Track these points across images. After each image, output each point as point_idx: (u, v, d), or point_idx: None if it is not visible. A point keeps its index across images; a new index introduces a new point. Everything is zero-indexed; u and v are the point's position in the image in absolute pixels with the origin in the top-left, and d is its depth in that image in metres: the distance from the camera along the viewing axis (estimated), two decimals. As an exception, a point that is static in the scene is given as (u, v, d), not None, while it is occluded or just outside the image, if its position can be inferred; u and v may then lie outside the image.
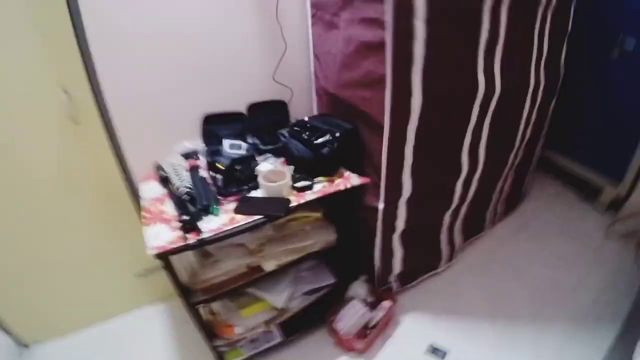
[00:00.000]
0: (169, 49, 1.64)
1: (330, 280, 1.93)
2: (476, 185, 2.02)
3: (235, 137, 1.78)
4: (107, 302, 2.07)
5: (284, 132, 1.79)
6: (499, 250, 2.29)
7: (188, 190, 1.53)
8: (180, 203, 1.50)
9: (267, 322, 1.83)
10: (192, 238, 1.37)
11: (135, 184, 1.80)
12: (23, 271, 1.79)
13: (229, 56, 1.76)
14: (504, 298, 2.01)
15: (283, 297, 1.79)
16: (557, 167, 2.72)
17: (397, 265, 1.95)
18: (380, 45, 1.40)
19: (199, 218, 1.45)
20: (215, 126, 1.81)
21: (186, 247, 1.36)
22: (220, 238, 1.41)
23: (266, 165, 1.64)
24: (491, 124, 1.82)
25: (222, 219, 1.45)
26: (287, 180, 1.53)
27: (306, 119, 1.74)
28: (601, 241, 2.27)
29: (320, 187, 1.57)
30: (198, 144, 1.81)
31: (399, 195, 1.72)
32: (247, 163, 1.63)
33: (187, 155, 1.78)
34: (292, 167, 1.64)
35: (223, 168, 1.58)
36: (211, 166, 1.65)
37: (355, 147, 1.67)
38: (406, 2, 1.31)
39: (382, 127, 1.52)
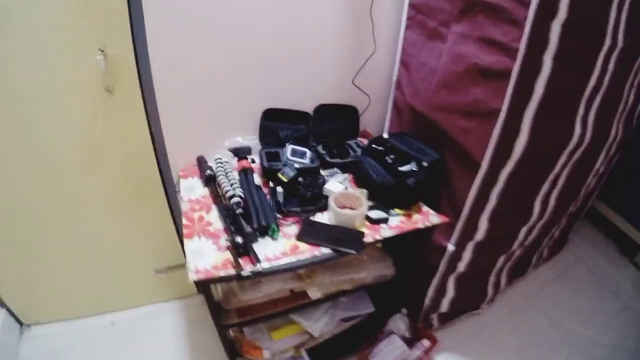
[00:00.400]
0: (239, 24, 1.37)
1: (369, 309, 1.74)
2: (537, 231, 1.87)
3: (298, 141, 1.55)
4: (120, 292, 1.87)
5: (353, 143, 1.57)
6: (537, 297, 2.17)
7: (240, 199, 1.30)
8: (231, 216, 1.27)
9: (297, 347, 1.66)
10: (245, 265, 1.16)
11: (172, 174, 1.55)
12: (33, 246, 1.61)
13: (306, 47, 1.51)
14: (537, 352, 1.90)
15: (320, 325, 1.61)
16: (601, 217, 2.61)
17: (444, 305, 1.79)
18: (501, 75, 1.19)
19: (254, 239, 1.23)
20: (276, 124, 1.56)
21: (238, 277, 1.15)
22: (280, 271, 1.19)
23: (336, 185, 1.42)
24: (569, 173, 1.65)
25: (281, 245, 1.24)
26: (364, 209, 1.31)
27: (385, 135, 1.51)
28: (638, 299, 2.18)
29: (397, 222, 1.37)
30: (252, 141, 1.57)
31: (470, 238, 1.54)
32: (314, 178, 1.40)
33: (238, 153, 1.54)
34: (364, 192, 1.42)
35: (286, 180, 1.36)
36: (269, 174, 1.42)
37: (438, 180, 1.46)
38: (543, 33, 1.12)
39: (477, 165, 1.32)
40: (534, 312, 2.08)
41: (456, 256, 1.58)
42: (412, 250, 1.53)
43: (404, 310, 1.83)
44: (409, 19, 1.55)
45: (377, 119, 1.76)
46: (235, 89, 1.49)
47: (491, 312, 2.05)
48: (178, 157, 1.53)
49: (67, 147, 1.44)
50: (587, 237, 2.58)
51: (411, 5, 1.53)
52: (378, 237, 1.30)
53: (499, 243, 1.73)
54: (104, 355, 1.75)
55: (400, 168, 1.37)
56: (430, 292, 1.69)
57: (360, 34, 1.55)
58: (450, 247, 1.52)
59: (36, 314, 1.80)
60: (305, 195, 1.36)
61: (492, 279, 1.93)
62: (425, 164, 1.38)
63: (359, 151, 1.60)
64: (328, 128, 1.63)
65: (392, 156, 1.41)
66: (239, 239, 1.19)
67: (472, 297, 1.94)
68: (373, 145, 1.48)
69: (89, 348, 1.76)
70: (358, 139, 1.71)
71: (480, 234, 1.53)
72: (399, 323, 1.79)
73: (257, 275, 1.16)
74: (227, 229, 1.26)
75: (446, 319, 1.91)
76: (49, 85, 1.32)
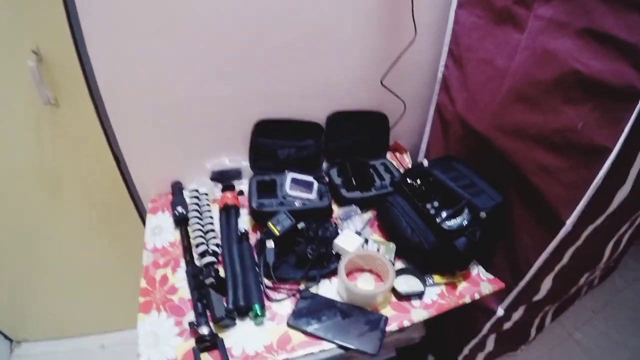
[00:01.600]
0: None
1: (390, 353, 1.41)
2: (598, 271, 1.61)
3: (304, 163, 1.13)
4: (109, 314, 1.67)
5: (380, 166, 1.15)
6: (580, 330, 1.89)
7: (214, 258, 0.93)
8: (200, 286, 0.91)
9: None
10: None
11: (142, 197, 1.19)
12: (17, 269, 1.45)
13: (316, 31, 1.05)
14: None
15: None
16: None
17: (480, 357, 1.43)
18: (619, 94, 0.75)
19: (228, 324, 0.87)
20: (274, 140, 1.14)
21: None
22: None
23: (352, 238, 1.01)
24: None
25: (266, 334, 0.88)
26: (389, 282, 0.91)
27: (425, 163, 1.07)
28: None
29: (435, 296, 0.96)
30: (242, 162, 1.16)
31: (528, 300, 1.16)
32: (320, 226, 1.00)
33: (223, 178, 1.15)
34: (391, 247, 1.02)
35: (278, 234, 0.96)
36: (258, 217, 1.03)
37: (496, 232, 1.03)
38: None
39: (560, 222, 0.89)
40: (577, 350, 1.82)
41: (504, 319, 1.19)
42: (450, 316, 1.13)
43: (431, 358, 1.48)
44: None
45: (412, 128, 1.29)
46: (217, 93, 1.07)
47: (530, 352, 1.75)
48: (147, 182, 1.16)
49: (20, 170, 1.18)
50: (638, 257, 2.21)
51: None
52: (407, 323, 0.91)
53: (555, 296, 1.32)
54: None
55: (447, 223, 0.94)
56: (466, 350, 1.35)
57: (394, 12, 1.07)
58: (500, 312, 1.14)
59: (25, 332, 1.68)
60: (306, 255, 0.96)
61: (536, 322, 1.58)
62: (483, 215, 0.94)
63: (387, 179, 1.17)
64: (346, 144, 1.20)
65: (435, 204, 0.97)
66: (204, 330, 0.83)
67: (512, 342, 1.59)
68: (408, 180, 1.04)
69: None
70: (387, 156, 1.27)
71: (539, 295, 1.16)
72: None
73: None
74: (193, 305, 0.90)
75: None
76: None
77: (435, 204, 0.98)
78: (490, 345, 1.38)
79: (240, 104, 1.11)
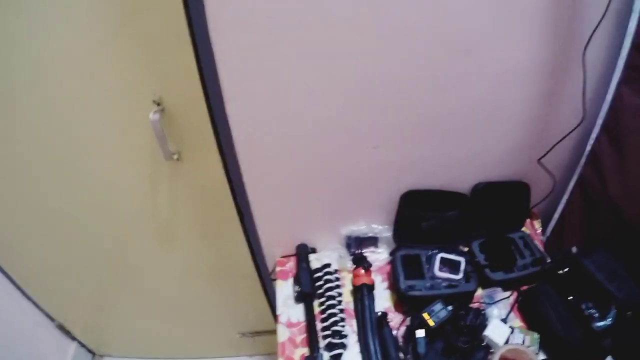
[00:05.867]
0: (373, 61, 0.86)
1: None
2: None
3: (445, 237, 1.10)
4: (199, 344, 1.68)
5: (518, 240, 1.12)
6: None
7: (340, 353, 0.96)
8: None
9: None
10: None
11: (266, 256, 1.20)
12: (113, 289, 1.46)
13: (479, 103, 0.98)
14: None
15: None
16: None
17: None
18: None
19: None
20: (419, 211, 1.10)
21: None
22: None
23: (500, 328, 1.00)
24: None
25: None
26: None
27: (574, 250, 1.03)
28: None
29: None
30: (380, 231, 1.13)
31: None
32: (472, 314, 1.00)
33: (357, 245, 1.12)
34: (536, 336, 1.01)
35: (433, 325, 0.96)
36: (405, 300, 1.02)
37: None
38: None
39: None
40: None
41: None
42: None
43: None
44: (629, 68, 0.94)
45: (542, 195, 1.23)
46: (364, 159, 1.03)
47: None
48: (272, 241, 1.16)
49: (132, 219, 1.18)
50: None
51: (636, 46, 0.91)
52: None
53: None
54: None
55: (597, 324, 0.93)
56: None
57: (565, 89, 0.98)
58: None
59: (109, 348, 1.72)
60: (456, 345, 0.96)
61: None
62: (630, 314, 0.92)
63: (527, 256, 1.13)
64: (488, 216, 1.15)
65: (590, 304, 0.95)
66: None
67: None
68: (558, 270, 1.01)
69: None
70: (524, 228, 1.23)
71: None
72: None
73: None
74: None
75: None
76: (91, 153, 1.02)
77: (590, 304, 0.96)
78: None
79: (387, 172, 1.07)
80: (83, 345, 1.66)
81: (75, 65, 0.86)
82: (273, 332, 1.04)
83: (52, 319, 1.53)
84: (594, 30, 0.87)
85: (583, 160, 1.13)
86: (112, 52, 0.84)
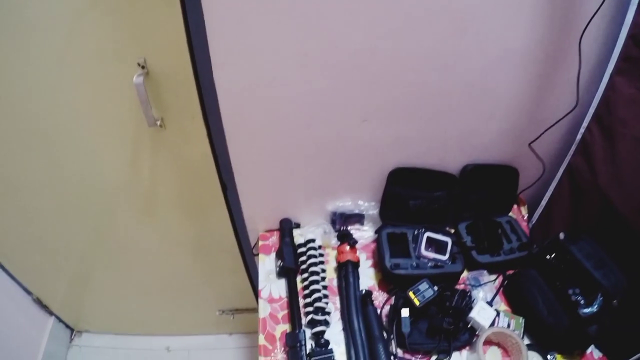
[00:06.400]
0: (358, 25, 0.82)
1: None
2: None
3: (433, 215, 1.09)
4: (179, 319, 1.67)
5: (505, 224, 1.11)
6: None
7: (322, 330, 0.94)
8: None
9: None
10: None
11: (249, 230, 1.18)
12: (92, 265, 1.44)
13: (473, 79, 0.96)
14: None
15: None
16: None
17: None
18: None
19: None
20: (407, 190, 1.09)
21: None
22: None
23: (485, 311, 0.99)
24: None
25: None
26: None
27: (562, 236, 1.02)
28: None
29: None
30: (366, 208, 1.12)
31: None
32: (459, 296, 0.98)
33: (342, 221, 1.10)
34: (521, 321, 1.01)
35: (418, 304, 0.94)
36: (390, 278, 1.01)
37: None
38: None
39: None
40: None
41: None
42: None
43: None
44: (624, 59, 0.93)
45: (531, 181, 1.22)
46: (355, 135, 1.01)
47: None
48: (256, 215, 1.14)
49: (112, 190, 1.15)
50: None
51: (633, 37, 0.89)
52: (537, 410, 0.92)
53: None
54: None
55: (584, 310, 0.92)
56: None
57: (558, 74, 0.97)
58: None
59: (87, 324, 1.71)
60: (441, 326, 0.94)
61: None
62: (615, 303, 0.92)
63: (514, 240, 1.12)
64: (476, 197, 1.14)
65: (577, 290, 0.94)
66: None
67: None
68: (547, 256, 1.00)
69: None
70: (510, 213, 1.22)
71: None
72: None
73: None
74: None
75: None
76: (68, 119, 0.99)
77: (577, 290, 0.96)
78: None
79: (376, 147, 1.04)
80: (61, 321, 1.64)
81: (59, 25, 0.82)
82: (253, 310, 1.02)
83: (29, 292, 1.49)
84: (591, 18, 0.85)
85: (573, 148, 1.12)
86: (97, 11, 0.80)
